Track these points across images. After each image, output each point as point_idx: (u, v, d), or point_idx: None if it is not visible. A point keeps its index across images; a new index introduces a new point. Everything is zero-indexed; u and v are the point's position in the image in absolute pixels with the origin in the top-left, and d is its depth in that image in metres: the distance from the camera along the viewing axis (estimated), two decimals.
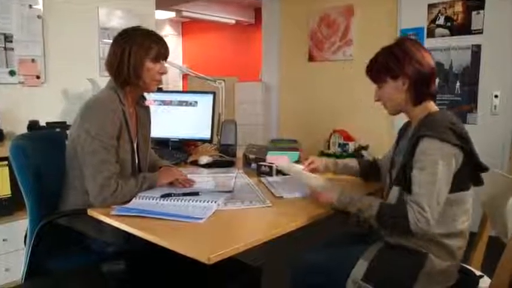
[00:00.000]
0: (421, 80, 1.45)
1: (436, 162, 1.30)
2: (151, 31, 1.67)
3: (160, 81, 1.67)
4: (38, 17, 3.01)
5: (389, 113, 1.56)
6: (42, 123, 2.88)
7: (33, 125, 2.81)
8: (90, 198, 1.50)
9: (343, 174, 1.85)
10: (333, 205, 1.46)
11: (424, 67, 1.44)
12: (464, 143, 1.34)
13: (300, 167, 1.81)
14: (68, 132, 2.83)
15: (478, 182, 1.43)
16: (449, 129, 1.33)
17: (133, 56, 1.59)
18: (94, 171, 1.50)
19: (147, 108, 1.84)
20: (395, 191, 1.44)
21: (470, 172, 1.39)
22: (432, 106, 1.49)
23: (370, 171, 1.81)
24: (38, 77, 3.03)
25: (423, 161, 1.33)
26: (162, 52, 1.65)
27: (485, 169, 1.40)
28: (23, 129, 2.76)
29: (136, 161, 1.73)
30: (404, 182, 1.38)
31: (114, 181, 1.49)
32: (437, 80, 3.56)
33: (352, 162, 1.85)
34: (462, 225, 1.41)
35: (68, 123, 2.97)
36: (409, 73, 1.44)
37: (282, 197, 1.62)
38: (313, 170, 1.79)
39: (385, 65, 1.48)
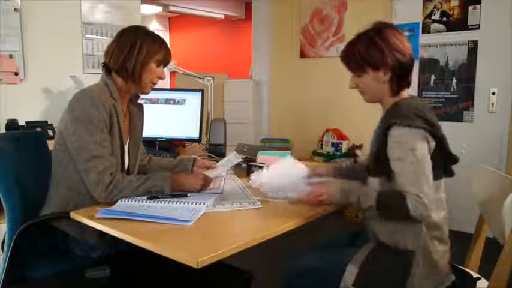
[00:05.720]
0: (402, 70, 1.42)
1: (413, 149, 1.30)
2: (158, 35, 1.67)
3: (155, 85, 1.67)
4: (15, 10, 2.89)
5: (365, 100, 1.53)
6: (22, 122, 2.79)
7: (11, 125, 2.72)
8: (90, 191, 1.48)
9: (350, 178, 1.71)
10: (335, 197, 1.40)
11: (405, 57, 1.42)
12: (432, 128, 1.34)
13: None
14: (49, 131, 2.78)
15: (450, 174, 1.44)
16: (415, 115, 1.33)
17: (143, 52, 1.57)
18: (87, 166, 1.46)
19: (141, 107, 1.79)
20: (374, 182, 1.44)
21: (441, 162, 1.39)
22: (405, 93, 1.48)
23: None
24: (16, 74, 2.92)
25: (401, 151, 1.32)
26: (167, 58, 1.65)
27: (455, 160, 1.41)
28: (0, 129, 2.67)
29: (127, 162, 1.68)
30: (382, 172, 1.38)
31: (109, 175, 1.46)
32: (432, 77, 3.58)
33: (358, 165, 1.74)
34: (436, 216, 1.38)
35: (49, 122, 2.90)
36: (391, 64, 1.40)
37: (273, 198, 1.57)
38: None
39: (366, 56, 1.42)
